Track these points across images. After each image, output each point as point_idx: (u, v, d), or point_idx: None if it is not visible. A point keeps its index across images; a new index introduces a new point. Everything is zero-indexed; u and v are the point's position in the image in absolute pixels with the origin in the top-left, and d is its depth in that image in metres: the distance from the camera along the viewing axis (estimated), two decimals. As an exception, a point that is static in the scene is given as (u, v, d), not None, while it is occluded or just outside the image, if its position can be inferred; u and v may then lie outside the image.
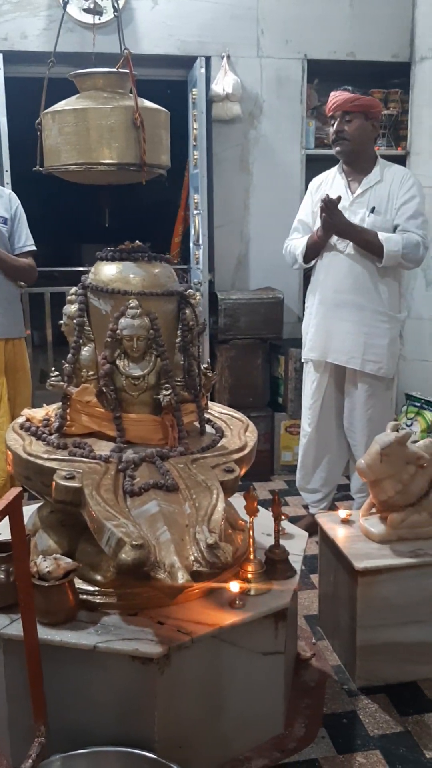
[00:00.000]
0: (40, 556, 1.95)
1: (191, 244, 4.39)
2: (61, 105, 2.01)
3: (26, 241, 3.25)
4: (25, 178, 3.90)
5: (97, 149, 1.95)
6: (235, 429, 2.32)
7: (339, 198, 3.03)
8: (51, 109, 2.02)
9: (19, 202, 3.28)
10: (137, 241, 2.17)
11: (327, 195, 3.03)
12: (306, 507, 3.61)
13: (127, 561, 1.56)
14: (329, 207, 2.99)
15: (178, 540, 1.66)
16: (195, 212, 4.21)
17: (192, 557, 1.63)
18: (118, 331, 2.04)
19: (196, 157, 4.10)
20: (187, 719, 1.92)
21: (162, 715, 1.85)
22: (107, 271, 2.11)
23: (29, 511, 2.35)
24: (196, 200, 4.17)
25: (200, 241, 4.16)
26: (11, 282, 3.22)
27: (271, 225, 4.13)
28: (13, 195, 3.30)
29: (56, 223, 5.75)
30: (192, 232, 4.37)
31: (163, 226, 5.16)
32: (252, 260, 4.36)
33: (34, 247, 3.27)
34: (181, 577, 1.55)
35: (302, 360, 3.46)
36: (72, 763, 1.81)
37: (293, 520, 3.04)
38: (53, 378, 2.15)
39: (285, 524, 2.46)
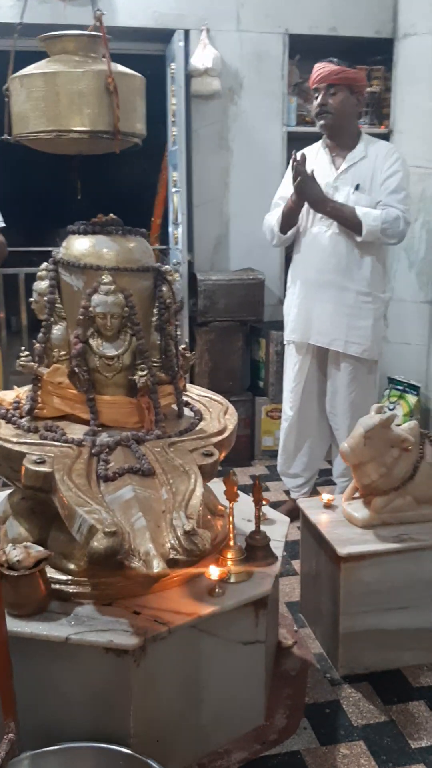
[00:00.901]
0: (9, 545, 1.85)
1: (170, 224, 4.28)
2: (30, 69, 1.90)
3: None
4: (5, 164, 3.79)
5: (68, 116, 1.85)
6: (214, 412, 2.23)
7: (304, 156, 2.95)
8: (19, 73, 1.90)
9: None
10: (111, 215, 2.06)
11: (296, 156, 2.94)
12: (287, 492, 3.54)
13: (100, 549, 1.48)
14: (299, 169, 2.91)
15: (153, 527, 1.58)
16: (174, 190, 4.10)
17: (168, 544, 1.55)
18: (90, 309, 1.94)
19: (174, 133, 3.98)
20: (164, 712, 1.85)
21: (138, 709, 1.79)
22: (79, 245, 2.00)
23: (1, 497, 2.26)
24: (174, 178, 4.06)
25: (179, 220, 4.05)
26: None
27: (251, 204, 4.03)
28: None
29: (32, 204, 5.61)
30: (171, 211, 4.26)
31: (142, 208, 5.03)
32: (232, 240, 4.26)
33: (2, 224, 3.14)
34: (157, 566, 1.46)
35: (284, 342, 3.38)
36: (43, 761, 1.73)
37: (274, 505, 2.97)
38: (23, 358, 2.05)
39: (266, 509, 2.38)
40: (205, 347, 4.05)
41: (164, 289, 2.05)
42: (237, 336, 4.12)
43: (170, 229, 4.29)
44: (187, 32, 3.95)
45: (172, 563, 1.52)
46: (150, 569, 1.47)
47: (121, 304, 1.94)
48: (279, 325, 3.58)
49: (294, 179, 2.96)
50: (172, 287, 2.07)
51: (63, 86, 1.83)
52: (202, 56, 3.90)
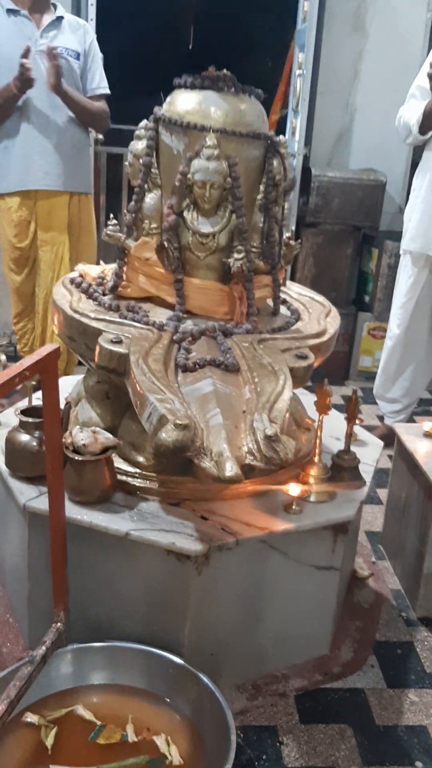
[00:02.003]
0: (77, 427, 1.72)
1: (289, 111, 3.89)
2: None
3: (100, 82, 2.88)
4: (115, 26, 3.50)
5: None
6: (314, 313, 1.99)
7: None
8: None
9: (94, 36, 2.88)
10: (225, 70, 1.78)
11: None
12: (381, 418, 3.30)
13: (168, 441, 1.29)
14: None
15: (231, 426, 1.38)
16: (297, 72, 3.70)
17: (245, 448, 1.35)
18: (189, 175, 1.70)
19: (305, 9, 3.55)
20: (221, 627, 1.72)
21: (194, 619, 1.67)
22: (184, 101, 1.75)
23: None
24: (300, 60, 3.65)
25: (299, 108, 3.67)
26: (81, 129, 2.88)
27: (382, 96, 3.60)
28: (89, 27, 2.90)
29: (144, 82, 5.31)
30: (291, 98, 3.87)
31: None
32: (355, 135, 3.86)
33: (107, 90, 2.90)
34: (230, 469, 1.27)
35: (400, 251, 3.04)
36: (87, 654, 1.65)
37: (366, 430, 2.74)
38: (110, 227, 1.85)
39: (358, 429, 2.16)
40: (310, 251, 3.74)
41: (275, 162, 1.78)
42: (347, 242, 3.79)
43: (289, 116, 3.91)
44: None
45: (247, 469, 1.32)
46: (222, 472, 1.28)
47: (224, 172, 1.69)
48: (396, 236, 3.24)
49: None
50: (285, 162, 1.79)
51: None
52: None
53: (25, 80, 2.60)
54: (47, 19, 2.78)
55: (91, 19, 3.34)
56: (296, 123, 3.73)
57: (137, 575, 1.67)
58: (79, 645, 1.65)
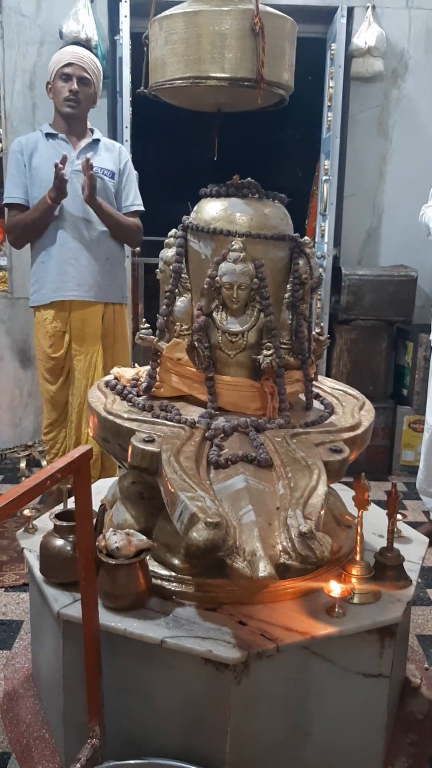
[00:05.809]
0: (110, 530, 1.69)
1: (317, 215, 4.03)
2: (171, 10, 1.74)
3: (134, 200, 2.97)
4: (148, 146, 3.70)
5: (208, 60, 1.66)
6: (348, 406, 1.97)
7: None
8: (160, 15, 1.75)
9: (129, 157, 3.02)
10: (249, 178, 1.86)
11: None
12: (427, 513, 3.19)
13: (198, 541, 1.27)
14: None
15: (264, 524, 1.35)
16: (324, 178, 3.85)
17: (279, 546, 1.32)
18: (217, 278, 1.75)
19: (329, 118, 3.74)
20: (265, 741, 1.62)
21: (236, 732, 1.57)
22: (210, 209, 1.82)
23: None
24: (326, 167, 3.81)
25: (327, 212, 3.80)
26: (115, 242, 2.95)
27: (408, 196, 3.71)
28: (124, 149, 3.04)
29: (179, 193, 5.58)
30: (320, 203, 4.01)
31: (294, 213, 4.85)
32: (384, 234, 3.96)
33: (141, 208, 2.99)
34: (263, 570, 1.23)
35: (430, 343, 3.04)
36: (123, 774, 1.55)
37: (411, 527, 2.65)
38: (143, 331, 1.89)
39: (402, 526, 2.09)
40: (345, 347, 3.75)
41: (301, 262, 1.82)
42: (381, 337, 3.81)
43: (318, 220, 4.04)
44: (351, 9, 3.70)
45: (282, 569, 1.28)
46: (255, 572, 1.23)
47: (251, 274, 1.73)
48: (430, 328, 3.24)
49: None
50: (310, 261, 1.83)
51: (204, 26, 1.65)
52: (366, 34, 3.64)
53: (59, 190, 2.66)
54: (84, 142, 2.89)
55: (126, 141, 3.54)
56: (325, 226, 3.84)
57: (174, 684, 1.60)
58: (115, 762, 1.56)
